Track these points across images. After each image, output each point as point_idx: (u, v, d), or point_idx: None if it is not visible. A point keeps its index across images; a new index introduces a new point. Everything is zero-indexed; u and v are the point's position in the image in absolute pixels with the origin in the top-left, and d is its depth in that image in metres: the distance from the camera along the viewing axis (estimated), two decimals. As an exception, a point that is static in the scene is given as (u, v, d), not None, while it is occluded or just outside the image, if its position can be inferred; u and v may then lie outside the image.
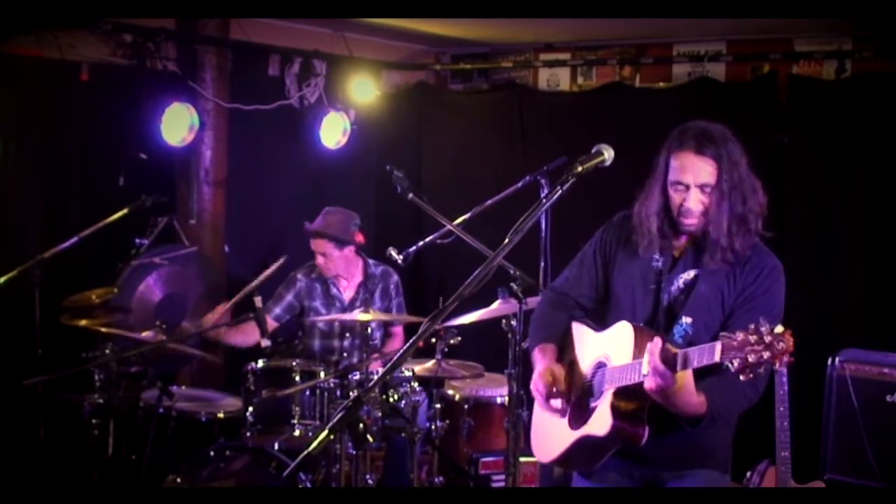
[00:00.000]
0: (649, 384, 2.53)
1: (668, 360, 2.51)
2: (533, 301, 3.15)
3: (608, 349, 2.80)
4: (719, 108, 5.67)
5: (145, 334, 4.33)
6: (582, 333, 3.01)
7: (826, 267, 5.43)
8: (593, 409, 2.77)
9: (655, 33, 5.97)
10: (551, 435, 2.95)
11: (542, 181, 4.01)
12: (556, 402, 2.88)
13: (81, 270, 4.70)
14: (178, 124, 5.02)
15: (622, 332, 2.76)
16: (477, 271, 2.32)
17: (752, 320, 2.61)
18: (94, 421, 4.29)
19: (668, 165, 2.77)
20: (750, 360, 2.29)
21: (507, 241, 2.43)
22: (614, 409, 2.68)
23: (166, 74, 5.15)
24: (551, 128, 6.17)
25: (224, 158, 5.53)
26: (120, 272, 4.59)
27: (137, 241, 4.67)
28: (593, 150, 2.64)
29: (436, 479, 4.66)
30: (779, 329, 2.29)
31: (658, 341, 2.54)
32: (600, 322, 3.00)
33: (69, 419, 4.44)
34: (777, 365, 2.29)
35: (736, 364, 2.31)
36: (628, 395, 2.66)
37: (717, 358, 2.38)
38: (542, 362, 2.93)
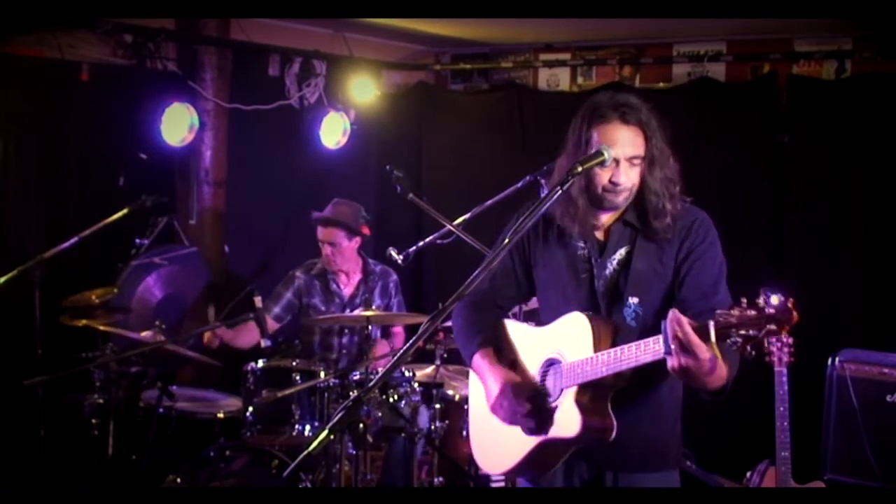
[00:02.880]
0: (677, 362, 2.31)
1: (700, 333, 2.28)
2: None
3: (560, 345, 2.65)
4: (719, 108, 5.69)
5: (145, 334, 4.34)
6: (519, 331, 2.84)
7: (826, 267, 5.43)
8: (552, 411, 2.62)
9: (655, 33, 5.97)
10: (502, 445, 2.78)
11: (542, 181, 4.01)
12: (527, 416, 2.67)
13: (81, 270, 4.70)
14: (178, 124, 5.02)
15: (577, 325, 2.61)
16: (477, 271, 2.32)
17: (699, 271, 2.61)
18: (94, 421, 4.29)
19: (589, 141, 2.62)
20: (751, 333, 2.18)
21: (507, 241, 2.42)
22: (581, 407, 2.54)
23: (166, 74, 5.15)
24: (551, 128, 6.11)
25: (224, 158, 5.54)
26: (120, 272, 4.60)
27: (137, 241, 4.67)
28: (593, 151, 2.59)
29: (436, 479, 4.66)
30: (775, 300, 2.17)
31: (678, 314, 2.31)
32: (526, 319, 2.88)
33: (69, 419, 4.44)
34: (784, 337, 2.18)
35: (738, 340, 2.20)
36: (592, 389, 2.54)
37: (712, 338, 2.24)
38: (495, 374, 2.72)
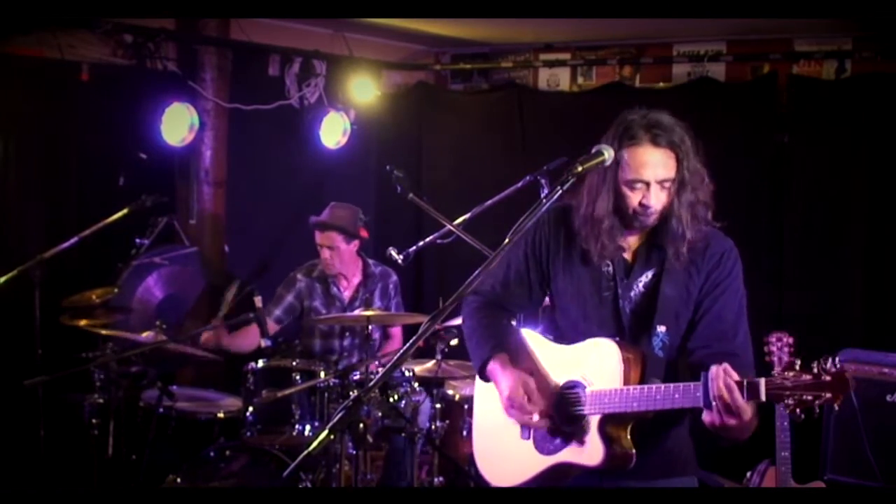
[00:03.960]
0: (718, 420, 2.33)
1: (748, 390, 2.29)
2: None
3: (584, 369, 2.60)
4: (719, 108, 5.69)
5: (145, 334, 4.33)
6: (540, 344, 2.78)
7: (826, 267, 5.43)
8: (573, 436, 2.59)
9: (655, 33, 5.97)
10: (512, 459, 2.73)
11: (542, 181, 4.01)
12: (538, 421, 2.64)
13: (81, 270, 4.70)
14: (178, 124, 5.03)
15: (605, 352, 2.57)
16: (477, 271, 2.31)
17: (722, 306, 2.59)
18: (94, 421, 4.30)
19: (620, 161, 2.57)
20: (806, 398, 2.20)
21: (507, 241, 2.39)
22: (604, 436, 2.52)
23: (166, 74, 5.15)
24: (551, 128, 6.18)
25: (224, 158, 5.54)
26: (120, 272, 4.60)
27: (137, 241, 4.67)
28: (593, 150, 2.57)
29: (436, 479, 4.66)
30: (831, 366, 2.22)
31: (724, 372, 2.31)
32: (536, 323, 2.84)
33: (69, 419, 4.44)
34: (836, 404, 2.20)
35: (791, 403, 2.22)
36: (616, 419, 2.52)
37: (762, 398, 2.25)
38: (513, 377, 2.65)
